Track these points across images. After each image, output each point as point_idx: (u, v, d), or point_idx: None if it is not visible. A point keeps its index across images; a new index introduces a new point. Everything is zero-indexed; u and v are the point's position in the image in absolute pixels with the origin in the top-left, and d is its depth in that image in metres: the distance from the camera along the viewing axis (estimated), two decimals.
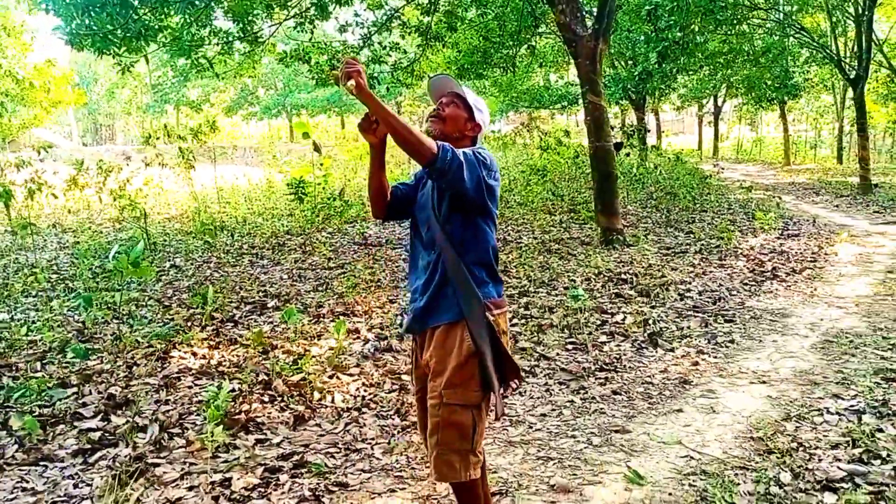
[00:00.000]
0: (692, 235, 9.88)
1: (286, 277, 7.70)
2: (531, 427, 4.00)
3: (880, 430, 3.76)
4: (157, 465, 3.55)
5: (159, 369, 4.84)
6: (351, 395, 4.41)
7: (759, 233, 10.24)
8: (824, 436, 3.75)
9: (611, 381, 4.68)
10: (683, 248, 9.03)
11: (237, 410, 4.09)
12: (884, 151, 33.00)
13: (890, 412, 3.98)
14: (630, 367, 4.95)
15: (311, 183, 11.62)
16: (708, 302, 6.58)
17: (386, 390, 4.51)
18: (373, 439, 3.85)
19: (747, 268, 7.93)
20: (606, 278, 7.36)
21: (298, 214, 11.29)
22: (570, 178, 14.66)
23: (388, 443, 3.79)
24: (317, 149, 12.08)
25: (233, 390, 4.38)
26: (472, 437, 2.42)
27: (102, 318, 6.05)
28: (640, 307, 6.32)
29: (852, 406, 4.12)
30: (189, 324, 5.92)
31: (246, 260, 8.57)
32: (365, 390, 4.50)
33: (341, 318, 5.91)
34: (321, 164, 11.99)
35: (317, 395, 4.34)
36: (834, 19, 17.16)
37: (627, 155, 15.38)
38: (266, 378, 4.59)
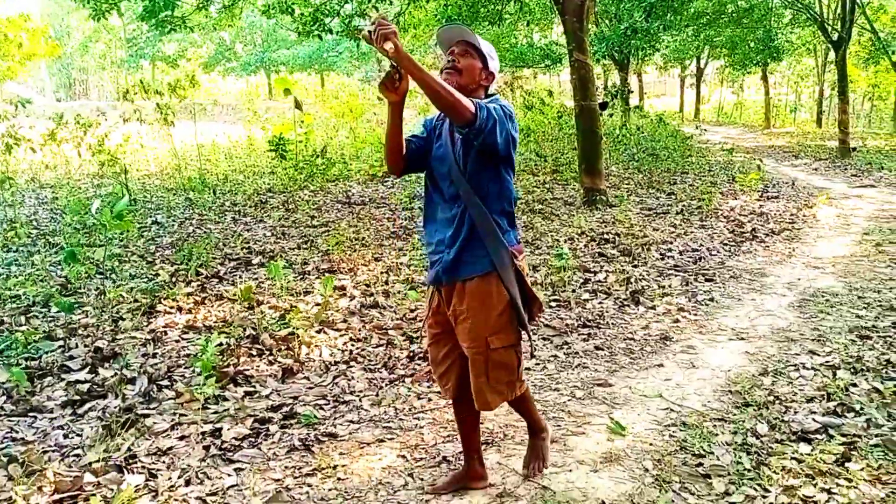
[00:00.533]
0: (674, 196, 9.97)
1: (270, 235, 7.68)
2: None
3: (854, 385, 3.88)
4: (147, 415, 3.58)
5: (145, 324, 4.85)
6: (338, 350, 4.46)
7: (740, 194, 10.35)
8: (800, 390, 3.86)
9: (593, 336, 4.77)
10: (665, 208, 9.12)
11: (225, 363, 4.13)
12: (863, 116, 33.25)
13: (864, 368, 4.10)
14: (612, 323, 5.04)
15: (292, 141, 11.51)
16: (689, 261, 6.69)
17: (373, 345, 4.56)
18: (361, 391, 3.91)
19: (727, 228, 8.05)
20: (589, 238, 7.43)
21: (280, 172, 11.20)
22: (553, 139, 14.65)
23: (377, 395, 3.86)
24: (298, 105, 11.93)
25: (220, 344, 4.40)
26: (518, 370, 2.70)
27: (86, 273, 6.02)
28: (623, 266, 6.40)
29: (827, 362, 4.24)
30: (174, 279, 5.91)
31: (229, 217, 8.52)
32: (352, 345, 4.55)
33: (327, 274, 5.93)
34: (302, 122, 11.85)
35: (304, 350, 4.38)
36: None
37: (611, 116, 15.38)
38: (253, 332, 4.62)
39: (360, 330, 4.79)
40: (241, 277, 6.05)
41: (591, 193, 9.08)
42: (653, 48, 16.35)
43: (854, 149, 16.81)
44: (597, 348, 4.56)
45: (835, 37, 16.19)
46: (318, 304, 5.21)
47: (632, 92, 21.30)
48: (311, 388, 3.95)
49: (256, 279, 5.99)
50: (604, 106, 12.10)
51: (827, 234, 7.98)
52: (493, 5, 11.99)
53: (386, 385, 3.99)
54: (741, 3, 18.38)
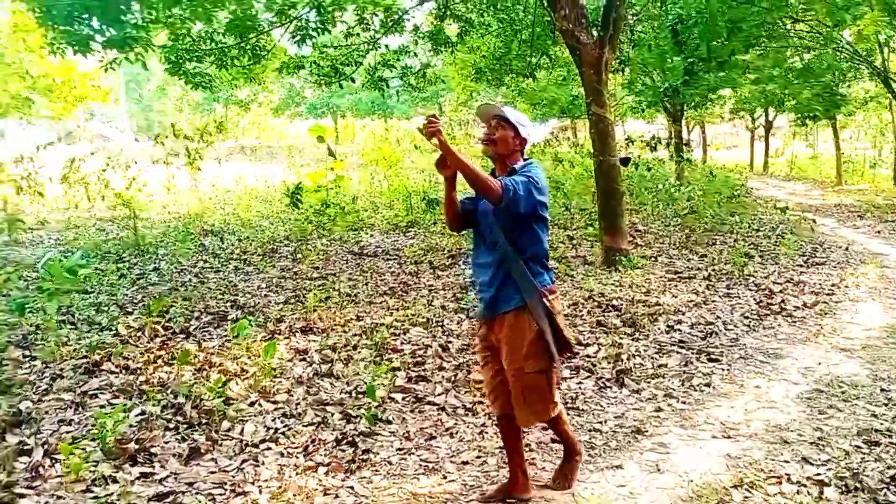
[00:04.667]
0: (706, 259, 9.27)
1: (264, 286, 7.43)
2: (445, 477, 3.59)
3: None
4: (24, 496, 3.27)
5: (83, 383, 4.59)
6: (264, 427, 4.07)
7: (781, 259, 9.55)
8: None
9: None
10: (692, 272, 8.45)
11: (132, 438, 3.79)
12: None
13: (858, 486, 3.44)
14: (584, 409, 4.49)
15: (323, 187, 11.36)
16: (697, 336, 6.04)
17: (305, 422, 4.15)
18: (265, 481, 3.50)
19: (754, 298, 7.32)
20: (595, 303, 6.87)
21: (301, 220, 11.06)
22: (589, 192, 14.09)
23: (280, 486, 3.44)
24: (331, 153, 11.85)
25: (142, 413, 4.10)
26: (550, 391, 3.13)
27: (56, 322, 5.87)
28: (620, 338, 5.82)
29: (818, 475, 3.58)
30: (138, 334, 5.68)
31: (231, 266, 8.34)
32: (282, 421, 4.16)
33: (292, 336, 5.60)
34: (332, 169, 11.73)
35: (225, 425, 4.02)
36: (883, 36, 16.10)
37: (649, 169, 14.71)
38: (184, 401, 4.29)
39: (298, 403, 4.40)
40: (209, 334, 5.79)
41: (612, 253, 8.51)
42: (706, 101, 15.65)
43: None
44: (553, 440, 4.02)
45: None
46: (272, 369, 4.86)
47: (687, 144, 20.47)
48: (213, 472, 3.57)
49: (224, 337, 5.70)
50: (625, 161, 11.52)
51: (867, 309, 7.15)
52: (525, 59, 11.67)
53: (296, 474, 3.56)
54: (805, 57, 17.50)
